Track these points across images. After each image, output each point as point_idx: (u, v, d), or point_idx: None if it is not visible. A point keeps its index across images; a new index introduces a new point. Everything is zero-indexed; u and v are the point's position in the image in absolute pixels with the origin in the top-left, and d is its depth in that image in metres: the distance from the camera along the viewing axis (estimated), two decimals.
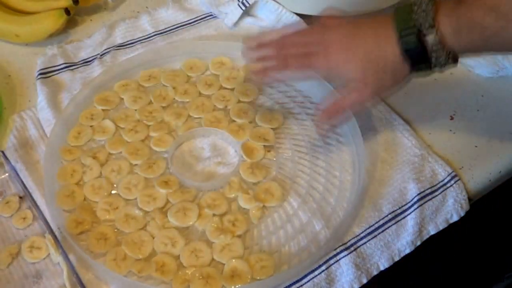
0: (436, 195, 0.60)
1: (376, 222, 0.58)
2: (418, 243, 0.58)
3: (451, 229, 0.60)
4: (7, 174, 0.60)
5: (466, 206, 0.61)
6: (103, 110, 0.67)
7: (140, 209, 0.57)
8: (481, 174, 0.63)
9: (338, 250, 0.55)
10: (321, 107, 0.61)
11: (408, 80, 0.57)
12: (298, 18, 0.77)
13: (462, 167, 0.63)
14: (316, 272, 0.54)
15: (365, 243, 0.56)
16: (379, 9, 0.79)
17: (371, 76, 0.55)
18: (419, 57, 0.53)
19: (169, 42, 0.76)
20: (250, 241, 0.56)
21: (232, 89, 0.69)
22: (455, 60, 0.53)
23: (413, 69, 0.54)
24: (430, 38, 0.52)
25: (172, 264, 0.53)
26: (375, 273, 0.56)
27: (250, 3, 0.77)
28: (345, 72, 0.56)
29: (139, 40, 0.76)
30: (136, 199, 0.58)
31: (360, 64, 0.55)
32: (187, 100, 0.68)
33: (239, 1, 0.77)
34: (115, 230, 0.56)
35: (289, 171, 0.62)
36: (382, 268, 0.56)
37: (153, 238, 0.55)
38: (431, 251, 0.62)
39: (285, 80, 0.67)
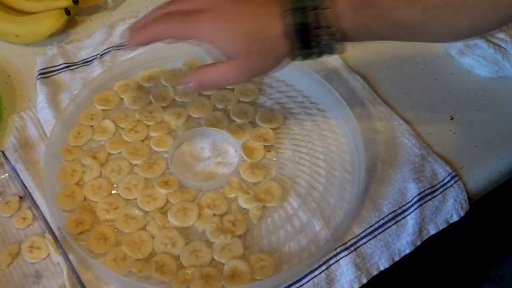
0: (436, 195, 0.60)
1: (376, 222, 0.58)
2: (418, 243, 0.58)
3: (451, 229, 0.60)
4: (7, 174, 0.60)
5: (466, 206, 0.61)
6: (103, 110, 0.67)
7: (140, 209, 0.57)
8: (481, 174, 0.63)
9: (338, 250, 0.55)
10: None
11: (285, 65, 0.53)
12: None
13: (462, 167, 0.63)
14: (316, 272, 0.54)
15: (365, 243, 0.56)
16: None
17: (245, 55, 0.51)
18: (300, 41, 0.49)
19: None
20: (250, 241, 0.56)
21: (232, 89, 0.69)
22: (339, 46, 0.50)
23: (291, 53, 0.51)
24: (312, 19, 0.49)
25: (172, 264, 0.53)
26: (375, 273, 0.56)
27: None
28: (220, 47, 0.51)
29: None
30: (136, 199, 0.58)
31: (236, 36, 0.50)
32: (187, 100, 0.68)
33: None
34: (115, 230, 0.56)
35: (289, 171, 0.62)
36: (382, 268, 0.56)
37: (153, 238, 0.55)
38: (431, 251, 0.62)
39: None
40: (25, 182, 0.58)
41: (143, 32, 0.54)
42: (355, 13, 0.48)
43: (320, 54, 0.51)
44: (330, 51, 0.50)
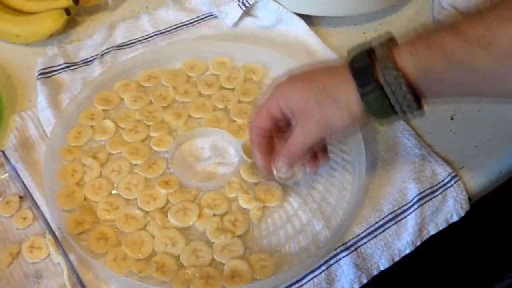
0: (436, 195, 0.60)
1: (376, 222, 0.58)
2: (418, 243, 0.58)
3: (451, 229, 0.60)
4: (7, 174, 0.60)
5: (466, 206, 0.61)
6: (103, 110, 0.67)
7: (140, 209, 0.57)
8: (481, 174, 0.63)
9: (338, 250, 0.55)
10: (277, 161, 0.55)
11: (364, 123, 0.50)
12: (298, 18, 0.77)
13: (463, 167, 0.63)
14: (316, 272, 0.54)
15: (365, 243, 0.56)
16: (380, 9, 0.79)
17: (313, 104, 0.49)
18: (366, 75, 0.47)
19: (169, 42, 0.76)
20: (250, 241, 0.56)
21: (233, 89, 0.69)
22: (416, 101, 0.47)
23: (363, 98, 0.48)
24: (379, 54, 0.47)
25: (173, 264, 0.53)
26: (375, 273, 0.56)
27: (251, 3, 0.77)
28: (290, 102, 0.51)
29: (139, 40, 0.76)
30: (136, 199, 0.58)
31: (302, 91, 0.50)
32: (188, 100, 0.68)
33: (239, 1, 0.77)
34: (116, 230, 0.56)
35: None
36: (382, 268, 0.56)
37: (153, 238, 0.55)
38: (431, 251, 0.62)
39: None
40: (25, 182, 0.58)
41: (253, 151, 0.56)
42: (414, 59, 0.46)
43: (397, 102, 0.47)
44: (407, 99, 0.47)
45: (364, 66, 0.48)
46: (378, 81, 0.47)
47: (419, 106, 0.48)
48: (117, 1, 0.83)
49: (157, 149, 0.63)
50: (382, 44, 0.48)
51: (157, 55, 0.72)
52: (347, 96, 0.49)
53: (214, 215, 0.57)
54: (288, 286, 0.53)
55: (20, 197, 0.59)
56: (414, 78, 0.46)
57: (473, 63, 0.44)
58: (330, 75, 0.50)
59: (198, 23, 0.79)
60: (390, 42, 0.48)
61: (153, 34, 0.77)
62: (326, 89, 0.49)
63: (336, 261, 0.55)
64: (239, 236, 0.56)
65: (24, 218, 0.57)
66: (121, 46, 0.75)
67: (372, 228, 0.57)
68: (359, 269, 0.55)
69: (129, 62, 0.71)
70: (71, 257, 0.53)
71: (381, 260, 0.56)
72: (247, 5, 0.77)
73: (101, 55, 0.73)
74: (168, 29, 0.78)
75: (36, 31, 0.74)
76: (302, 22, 0.77)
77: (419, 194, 0.59)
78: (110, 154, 0.63)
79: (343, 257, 0.55)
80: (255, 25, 0.78)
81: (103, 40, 0.75)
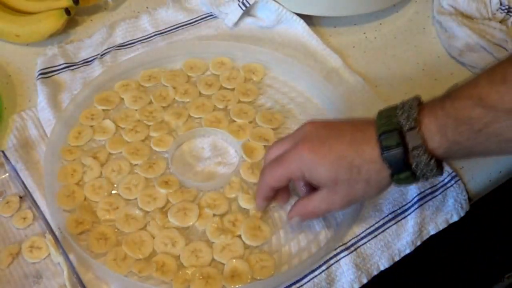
0: (436, 195, 0.60)
1: (376, 222, 0.58)
2: (418, 243, 0.58)
3: (451, 229, 0.60)
4: (7, 174, 0.60)
5: (466, 206, 0.61)
6: (103, 110, 0.67)
7: (140, 209, 0.57)
8: (481, 174, 0.63)
9: (338, 250, 0.55)
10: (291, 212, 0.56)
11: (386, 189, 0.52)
12: (298, 18, 0.77)
13: (463, 167, 0.63)
14: (316, 272, 0.54)
15: (365, 243, 0.56)
16: (380, 9, 0.79)
17: (342, 182, 0.50)
18: (399, 163, 0.48)
19: (169, 42, 0.76)
20: None
21: (233, 89, 0.69)
22: (439, 168, 0.49)
23: (393, 178, 0.49)
24: (411, 140, 0.47)
25: (173, 264, 0.53)
26: (375, 273, 0.56)
27: (251, 3, 0.77)
28: (317, 176, 0.51)
29: (139, 40, 0.76)
30: (136, 199, 0.58)
31: (331, 168, 0.50)
32: (188, 100, 0.68)
33: (239, 1, 0.77)
34: (115, 230, 0.56)
35: None
36: (382, 268, 0.56)
37: (153, 238, 0.55)
38: (431, 251, 0.62)
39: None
40: (25, 182, 0.58)
41: (257, 196, 0.57)
42: (443, 138, 0.47)
43: (423, 176, 0.49)
44: (433, 172, 0.48)
45: (397, 153, 0.48)
46: (409, 162, 0.48)
47: (441, 170, 0.49)
48: (117, 1, 0.83)
49: (157, 149, 0.63)
50: (411, 126, 0.48)
51: (157, 55, 0.72)
52: (378, 175, 0.49)
53: (214, 215, 0.57)
54: (288, 286, 0.53)
55: (20, 197, 0.59)
56: (441, 153, 0.48)
57: (503, 134, 0.45)
58: (359, 150, 0.49)
59: (198, 23, 0.79)
60: (418, 115, 0.48)
61: (153, 34, 0.77)
62: (357, 168, 0.49)
63: (336, 261, 0.55)
64: (239, 236, 0.56)
65: (24, 218, 0.57)
66: (121, 46, 0.75)
67: (372, 228, 0.57)
68: (359, 269, 0.55)
69: (129, 62, 0.71)
70: (71, 257, 0.53)
71: (381, 260, 0.56)
72: (247, 5, 0.77)
73: (101, 55, 0.73)
74: (168, 29, 0.78)
75: (36, 31, 0.74)
76: (302, 22, 0.77)
77: (419, 194, 0.59)
78: (110, 154, 0.63)
79: (343, 257, 0.55)
80: (255, 25, 0.78)
81: (103, 40, 0.75)
